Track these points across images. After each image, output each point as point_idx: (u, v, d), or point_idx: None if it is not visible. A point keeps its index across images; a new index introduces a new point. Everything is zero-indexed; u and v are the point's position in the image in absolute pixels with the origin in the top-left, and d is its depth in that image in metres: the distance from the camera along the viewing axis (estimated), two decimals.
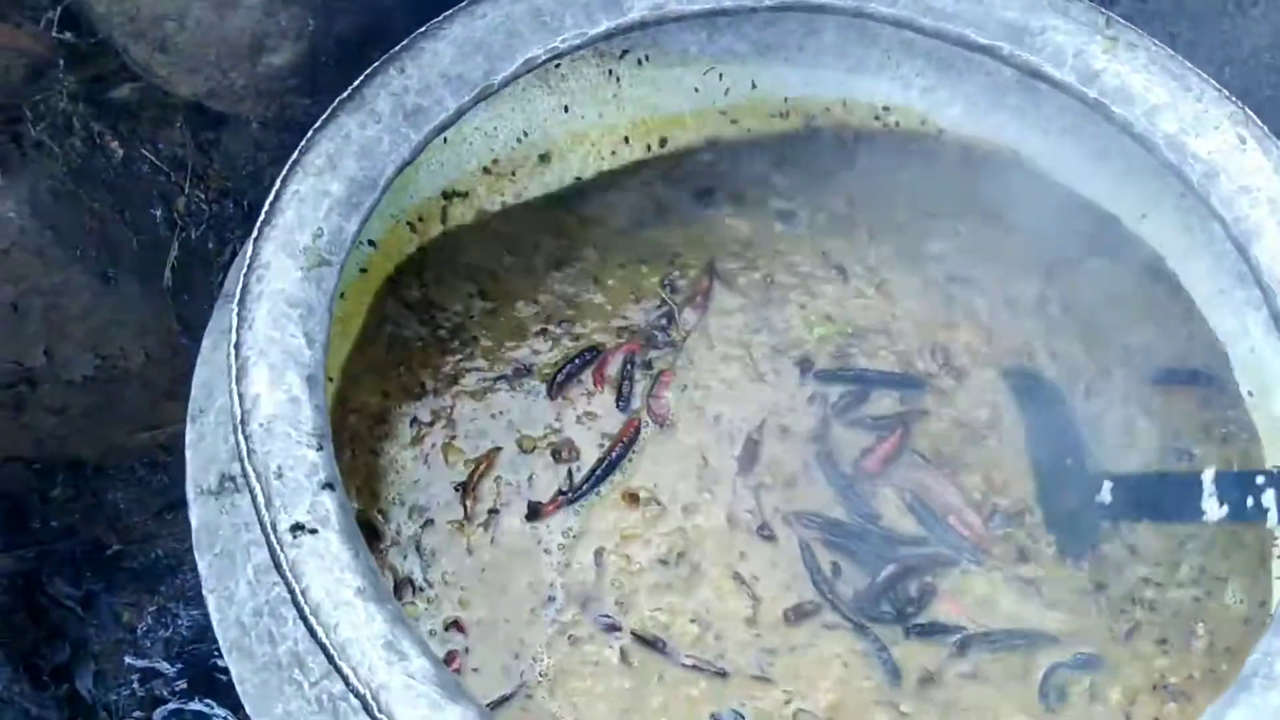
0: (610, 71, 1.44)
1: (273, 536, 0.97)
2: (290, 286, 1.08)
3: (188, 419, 1.16)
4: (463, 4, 1.23)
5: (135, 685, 1.62)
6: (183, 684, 1.61)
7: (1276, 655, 1.03)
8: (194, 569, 1.64)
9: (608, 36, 1.28)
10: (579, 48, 1.27)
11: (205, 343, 1.20)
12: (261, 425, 1.01)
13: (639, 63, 1.44)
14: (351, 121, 1.17)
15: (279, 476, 0.99)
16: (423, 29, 1.21)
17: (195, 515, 1.12)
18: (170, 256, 1.52)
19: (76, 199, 1.42)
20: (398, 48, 1.20)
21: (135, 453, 1.70)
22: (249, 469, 0.99)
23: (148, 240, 1.50)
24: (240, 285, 1.07)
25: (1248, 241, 1.18)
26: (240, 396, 1.02)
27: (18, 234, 1.38)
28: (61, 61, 1.33)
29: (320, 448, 1.02)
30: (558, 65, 1.40)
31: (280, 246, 1.10)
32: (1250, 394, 1.32)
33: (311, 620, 0.94)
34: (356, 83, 1.18)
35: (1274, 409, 1.30)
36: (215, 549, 1.10)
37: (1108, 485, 1.32)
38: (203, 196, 1.51)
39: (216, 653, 1.62)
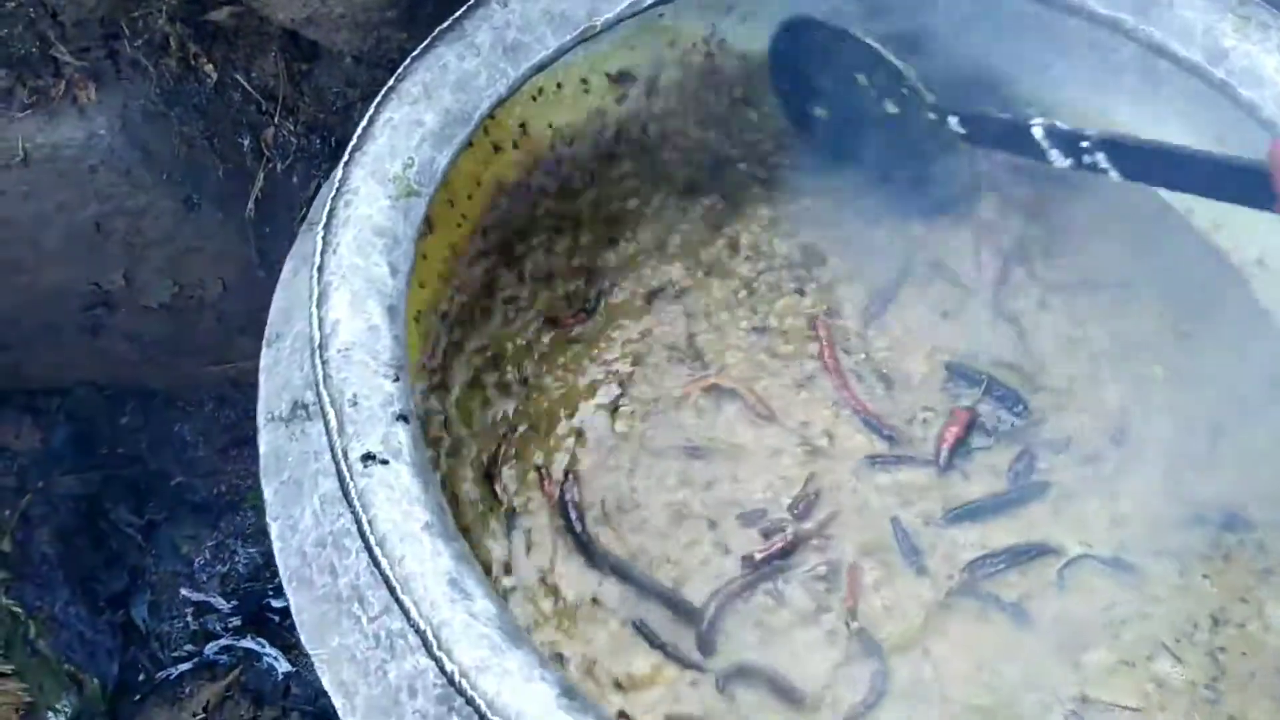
0: (713, 25, 1.40)
1: (343, 464, 0.94)
2: (377, 215, 1.06)
3: (263, 344, 1.14)
4: None
5: (189, 618, 1.61)
6: (236, 620, 1.60)
7: None
8: (255, 508, 1.65)
9: None
10: None
11: (286, 268, 1.18)
12: (340, 351, 0.99)
13: (742, 19, 1.40)
14: (450, 53, 1.14)
15: (354, 404, 0.97)
16: None
17: (264, 441, 1.09)
18: (255, 188, 1.50)
19: (167, 121, 1.41)
20: None
21: (205, 386, 1.69)
22: (324, 394, 0.97)
23: (233, 169, 1.49)
24: (327, 209, 1.05)
25: None
26: (320, 321, 1.00)
27: (107, 152, 1.38)
28: None
29: (397, 379, 0.99)
30: (661, 15, 1.37)
31: (370, 173, 1.07)
32: None
33: (376, 551, 0.91)
34: (458, 14, 1.15)
35: None
36: (282, 476, 1.08)
37: (954, 119, 1.31)
38: (291, 129, 1.49)
39: (271, 592, 1.61)
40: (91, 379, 1.64)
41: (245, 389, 1.69)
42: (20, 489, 1.61)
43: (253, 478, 1.68)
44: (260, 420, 1.10)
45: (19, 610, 1.51)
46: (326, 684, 1.00)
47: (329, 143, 1.52)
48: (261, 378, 1.12)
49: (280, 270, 1.22)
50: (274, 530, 1.06)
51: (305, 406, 1.09)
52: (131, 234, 1.45)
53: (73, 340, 1.56)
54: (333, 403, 0.97)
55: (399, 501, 0.94)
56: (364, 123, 1.09)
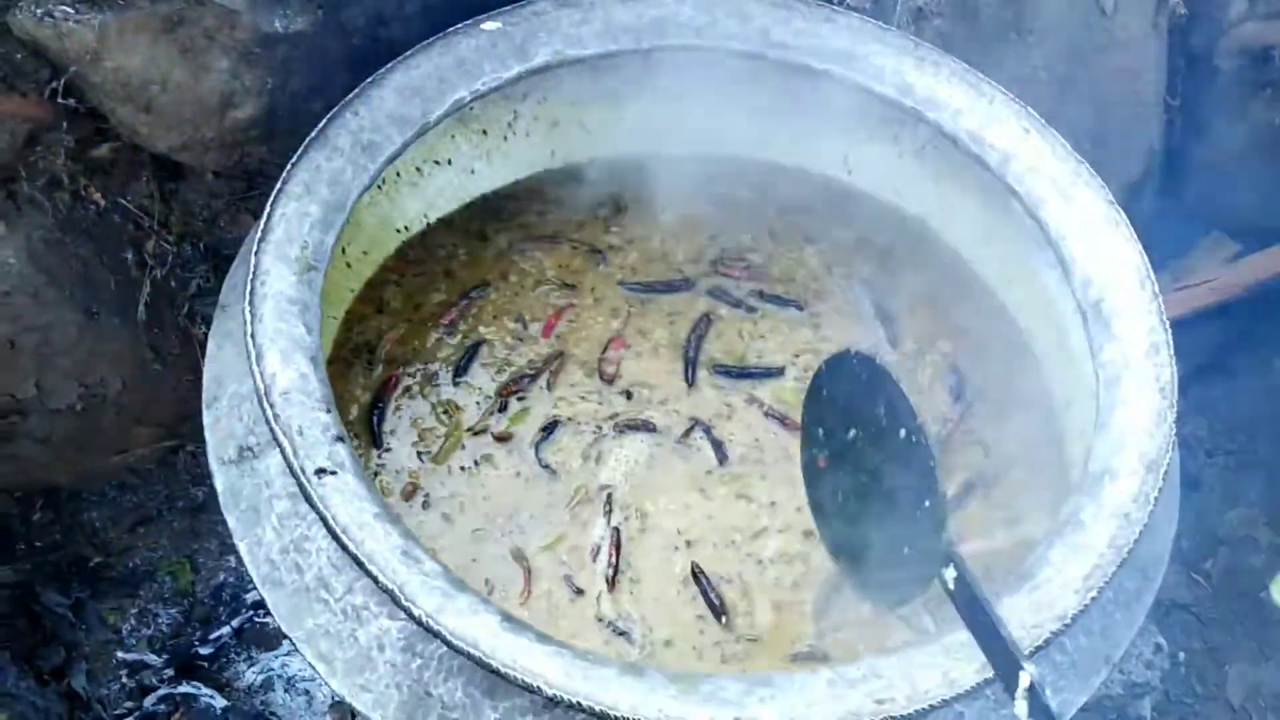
0: (515, 111, 1.72)
1: (303, 478, 1.21)
2: (288, 288, 1.33)
3: (203, 406, 1.38)
4: (400, 57, 1.50)
5: (125, 678, 1.80)
6: (169, 672, 1.80)
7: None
8: (170, 574, 1.87)
9: (517, 80, 1.57)
10: (495, 90, 1.55)
11: (210, 344, 1.43)
12: (282, 395, 1.26)
13: (539, 102, 1.73)
14: (320, 156, 1.43)
15: (300, 434, 1.24)
16: (370, 79, 1.47)
17: (219, 481, 1.34)
18: (142, 293, 1.74)
19: (64, 245, 1.64)
20: (351, 94, 1.46)
21: (106, 476, 1.89)
22: (276, 429, 1.23)
23: (123, 280, 1.72)
24: (248, 289, 1.32)
25: (1036, 208, 1.51)
26: (261, 374, 1.26)
27: (16, 278, 1.60)
28: (64, 125, 1.56)
29: (329, 410, 1.27)
30: (472, 108, 1.68)
31: (276, 257, 1.35)
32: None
33: (343, 538, 1.18)
34: (321, 125, 1.43)
35: (1071, 344, 1.60)
36: (240, 506, 1.32)
37: (952, 574, 1.14)
38: (167, 240, 1.74)
39: (197, 641, 1.83)
40: (3, 484, 1.83)
41: (143, 475, 1.91)
42: None
43: (162, 549, 1.91)
44: (213, 465, 1.35)
45: None
46: (308, 658, 1.25)
47: (199, 248, 1.77)
48: (207, 433, 1.37)
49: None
50: (243, 548, 1.31)
51: (250, 449, 1.34)
52: (41, 346, 1.66)
53: None
54: (285, 434, 1.24)
55: (351, 500, 1.21)
56: (264, 218, 1.36)
